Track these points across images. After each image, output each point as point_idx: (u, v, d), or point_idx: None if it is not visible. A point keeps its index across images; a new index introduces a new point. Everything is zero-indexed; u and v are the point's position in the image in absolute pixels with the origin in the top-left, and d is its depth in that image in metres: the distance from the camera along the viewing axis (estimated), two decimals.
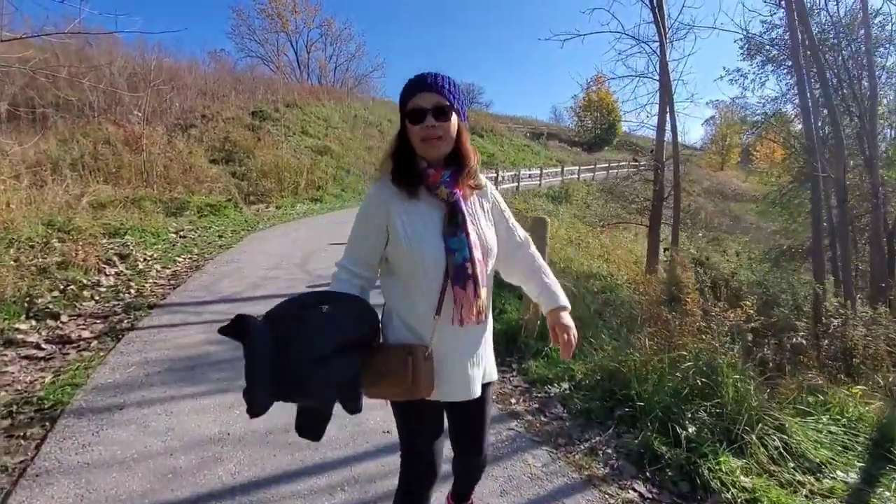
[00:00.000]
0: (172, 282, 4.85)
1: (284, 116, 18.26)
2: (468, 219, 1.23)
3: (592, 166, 24.80)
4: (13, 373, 2.69)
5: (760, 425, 2.45)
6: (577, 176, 22.12)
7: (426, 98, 1.18)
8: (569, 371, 3.14)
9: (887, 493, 2.18)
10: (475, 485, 1.57)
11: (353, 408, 1.13)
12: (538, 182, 18.66)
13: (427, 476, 1.32)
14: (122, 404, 2.36)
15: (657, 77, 7.88)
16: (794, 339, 3.63)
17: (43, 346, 3.10)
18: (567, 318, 1.32)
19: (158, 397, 2.47)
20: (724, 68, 14.65)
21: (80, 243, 5.64)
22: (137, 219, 7.13)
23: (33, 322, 3.44)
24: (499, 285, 4.82)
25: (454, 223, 1.21)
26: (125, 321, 3.65)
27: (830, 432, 2.60)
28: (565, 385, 3.01)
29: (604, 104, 37.70)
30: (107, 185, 9.37)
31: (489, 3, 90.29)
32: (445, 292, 1.19)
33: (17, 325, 3.29)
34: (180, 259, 5.77)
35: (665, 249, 7.17)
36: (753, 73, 13.83)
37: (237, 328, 1.07)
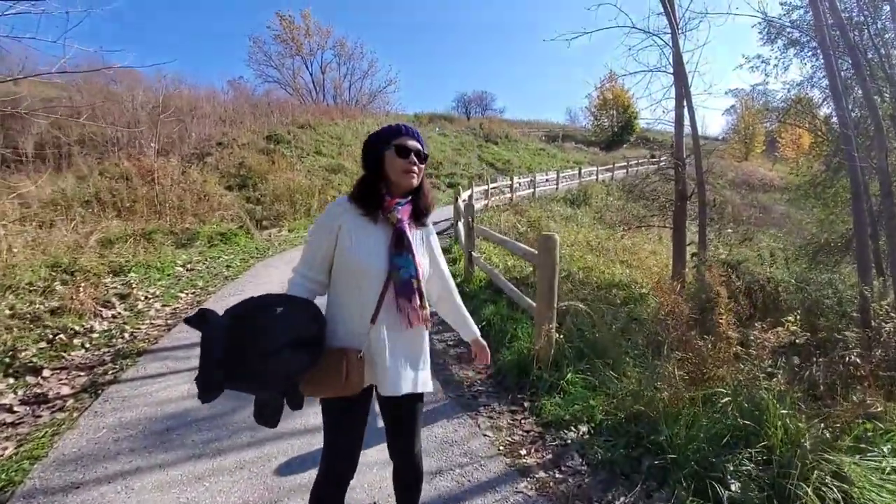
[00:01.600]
0: (170, 321, 4.67)
1: (298, 138, 18.36)
2: (412, 244, 1.45)
3: (611, 166, 24.16)
4: None
5: (816, 472, 2.04)
6: (595, 177, 21.55)
7: (411, 142, 1.46)
8: (588, 410, 2.77)
9: None
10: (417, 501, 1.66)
11: (296, 403, 1.31)
12: (555, 186, 18.21)
13: (345, 472, 1.48)
14: (80, 482, 2.12)
15: (671, 70, 7.43)
16: (848, 357, 3.16)
17: (16, 408, 2.91)
18: (482, 341, 1.75)
19: (122, 470, 2.21)
20: (743, 56, 14.00)
21: (83, 285, 5.56)
22: (144, 254, 7.06)
23: (11, 380, 3.27)
24: (512, 308, 4.50)
25: (401, 244, 1.42)
26: (109, 372, 3.45)
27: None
28: (584, 428, 2.64)
29: (619, 102, 37.08)
30: (119, 221, 9.44)
31: (501, 10, 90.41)
32: (384, 302, 1.38)
33: None
34: (182, 295, 5.62)
35: (693, 255, 6.68)
36: (776, 58, 13.15)
37: (200, 320, 1.23)
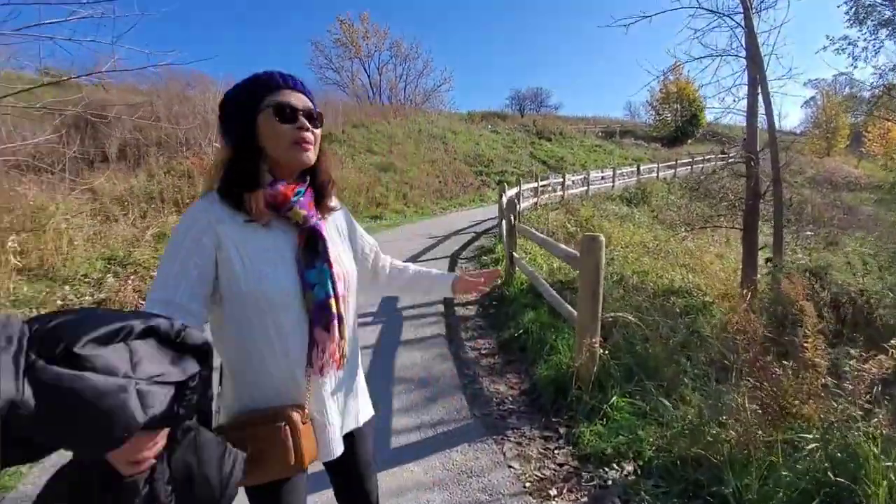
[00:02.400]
0: None
1: (351, 137, 18.65)
2: (328, 247, 1.03)
3: (673, 162, 22.69)
4: None
5: None
6: (655, 174, 20.29)
7: (296, 97, 1.01)
8: (635, 443, 2.36)
9: None
10: None
11: None
12: (611, 184, 17.29)
13: None
14: None
15: (743, 54, 6.65)
16: None
17: None
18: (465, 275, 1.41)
19: None
20: (827, 37, 12.53)
21: (131, 278, 5.73)
22: None
23: None
24: (554, 315, 4.09)
25: (313, 251, 1.01)
26: None
27: None
28: (629, 467, 2.23)
29: (683, 94, 35.03)
30: (177, 216, 9.87)
31: (556, 4, 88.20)
32: (314, 335, 1.00)
33: None
34: None
35: (767, 260, 5.93)
36: (864, 39, 11.75)
37: None
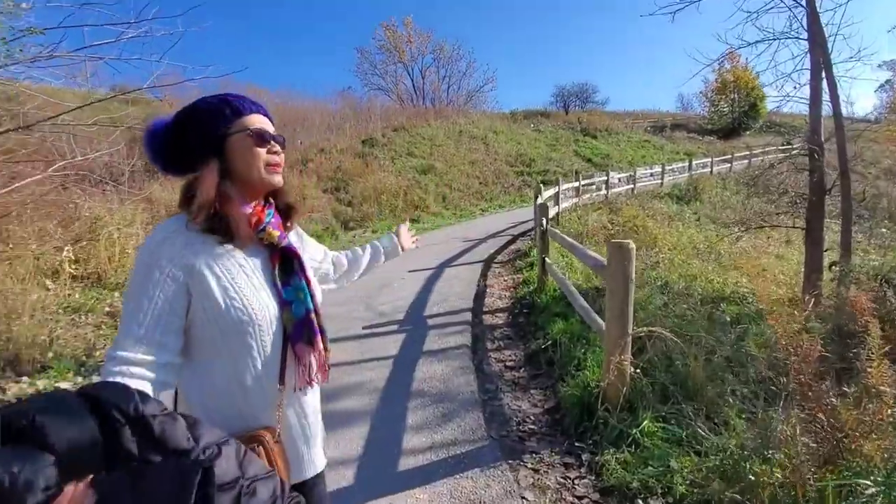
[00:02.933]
0: None
1: (392, 141, 18.84)
2: (305, 262, 1.08)
3: (729, 156, 21.34)
4: None
5: None
6: (709, 169, 19.15)
7: (264, 121, 1.03)
8: (666, 475, 2.11)
9: None
10: None
11: None
12: (659, 181, 16.46)
13: None
14: None
15: (804, 36, 6.07)
16: None
17: None
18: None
19: None
20: None
21: None
22: None
23: (79, 379, 3.44)
24: (586, 326, 3.83)
25: (288, 270, 1.04)
26: None
27: None
28: None
29: (741, 83, 32.96)
30: None
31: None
32: (287, 354, 1.01)
33: (58, 385, 3.29)
34: None
35: (832, 264, 5.36)
36: None
37: None
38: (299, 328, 1.01)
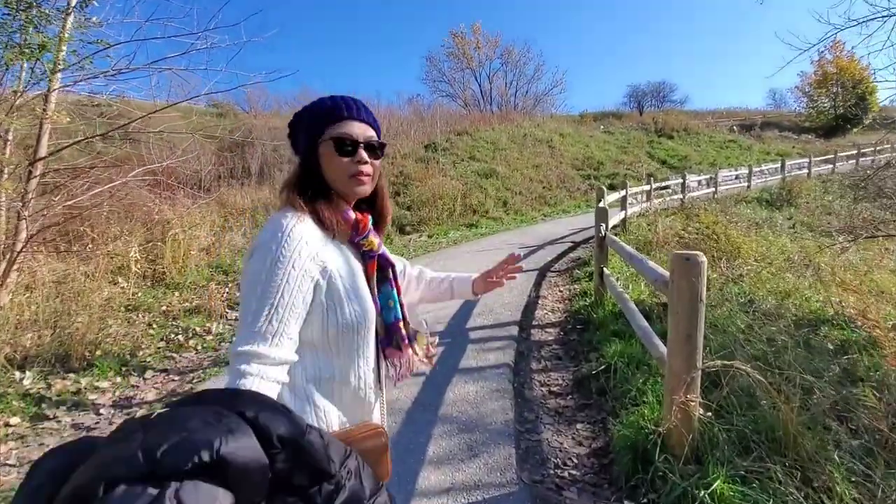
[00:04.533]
0: None
1: (455, 145, 18.74)
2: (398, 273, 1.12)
3: (831, 156, 18.96)
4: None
5: None
6: (807, 171, 17.06)
7: (356, 127, 1.01)
8: None
9: None
10: None
11: None
12: (745, 183, 14.90)
13: None
14: None
15: None
16: None
17: (102, 410, 3.02)
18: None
19: None
20: None
21: (229, 286, 6.10)
22: None
23: (119, 379, 3.47)
24: (647, 349, 3.28)
25: (382, 278, 1.06)
26: (196, 380, 3.45)
27: None
28: None
29: (846, 75, 29.47)
30: None
31: None
32: (380, 357, 1.05)
33: (98, 384, 3.32)
34: None
35: None
36: None
37: None
38: (392, 333, 1.04)
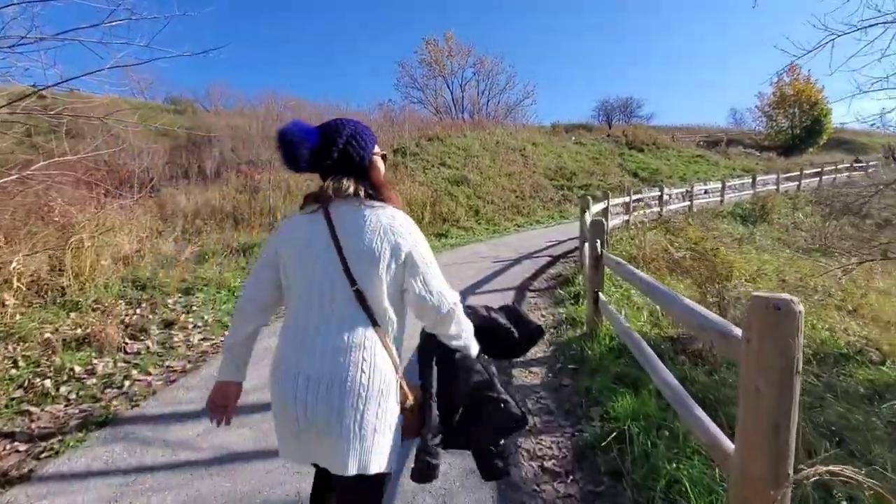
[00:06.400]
0: (191, 365, 3.68)
1: (425, 150, 17.96)
2: None
3: (797, 173, 19.22)
4: None
5: None
6: (775, 187, 17.15)
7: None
8: None
9: None
10: None
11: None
12: (719, 198, 14.71)
13: None
14: None
15: None
16: None
17: None
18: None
19: None
20: None
21: (142, 306, 5.01)
22: (229, 270, 6.56)
23: None
24: (666, 402, 2.45)
25: None
26: (46, 453, 2.43)
27: None
28: None
29: (802, 97, 30.79)
30: (236, 232, 9.49)
31: (647, 9, 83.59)
32: None
33: None
34: None
35: None
36: None
37: None
38: None
